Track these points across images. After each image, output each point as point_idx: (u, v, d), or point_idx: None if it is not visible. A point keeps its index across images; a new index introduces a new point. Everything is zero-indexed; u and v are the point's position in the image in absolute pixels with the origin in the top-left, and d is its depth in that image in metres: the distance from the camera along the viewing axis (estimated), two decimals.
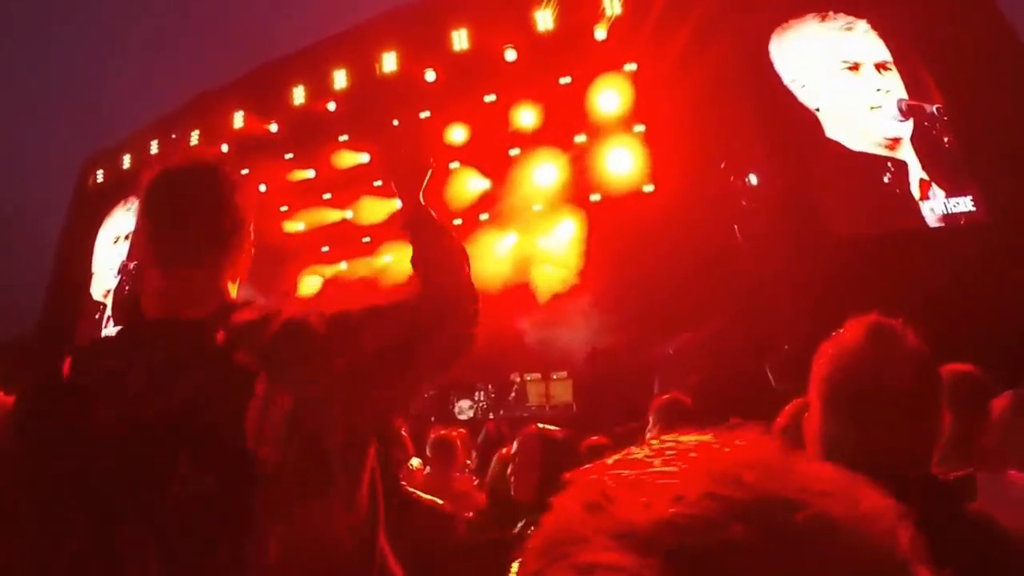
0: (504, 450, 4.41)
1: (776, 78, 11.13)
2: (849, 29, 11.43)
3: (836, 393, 1.54)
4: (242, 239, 1.77)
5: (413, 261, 2.08)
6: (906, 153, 10.71)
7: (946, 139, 10.65)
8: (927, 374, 1.56)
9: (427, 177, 2.23)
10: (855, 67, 11.16)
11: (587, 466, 0.55)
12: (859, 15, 11.42)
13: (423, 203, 2.15)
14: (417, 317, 1.85)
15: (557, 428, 3.46)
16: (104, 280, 17.78)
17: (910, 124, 10.80)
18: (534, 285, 12.41)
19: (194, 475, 1.36)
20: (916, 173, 10.65)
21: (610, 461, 0.54)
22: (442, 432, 5.05)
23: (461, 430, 5.35)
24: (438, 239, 2.07)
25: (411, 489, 3.58)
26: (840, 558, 0.43)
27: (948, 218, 10.44)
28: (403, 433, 3.59)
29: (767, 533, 0.42)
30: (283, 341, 1.58)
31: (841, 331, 1.61)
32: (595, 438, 4.97)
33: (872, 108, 10.91)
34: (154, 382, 1.44)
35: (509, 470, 3.46)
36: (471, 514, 3.92)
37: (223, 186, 1.75)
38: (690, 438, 0.53)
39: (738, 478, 0.45)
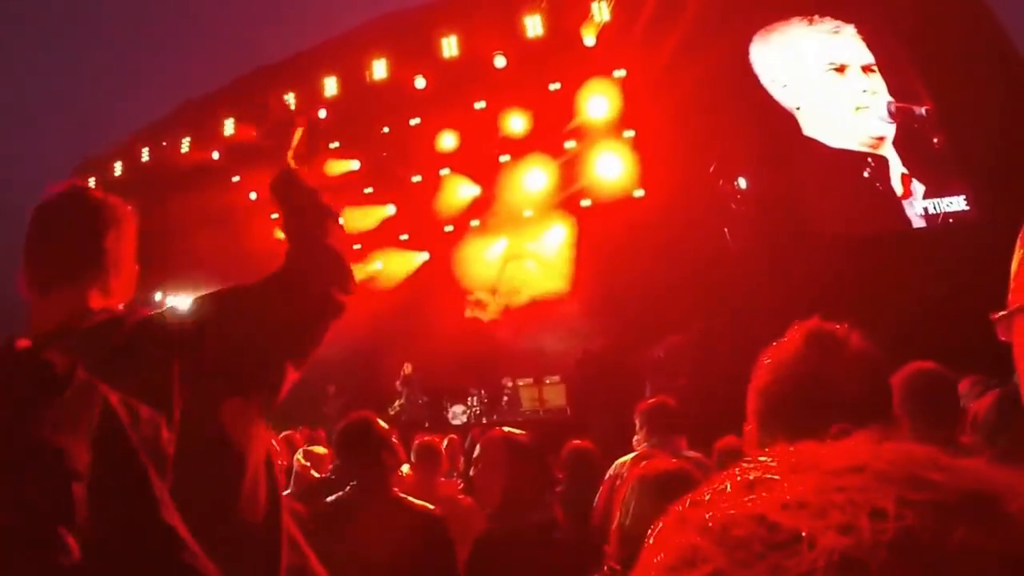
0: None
1: (762, 80, 11.19)
2: (836, 32, 11.52)
3: (771, 403, 1.47)
4: (107, 261, 1.69)
5: (282, 225, 2.06)
6: (888, 151, 10.79)
7: (935, 140, 10.73)
8: (870, 379, 1.47)
9: (296, 136, 2.20)
10: (841, 69, 11.24)
11: (691, 497, 0.46)
12: (847, 19, 11.51)
13: (293, 166, 2.13)
14: (279, 283, 1.86)
15: (523, 432, 3.43)
16: None
17: (895, 125, 10.88)
18: (525, 289, 12.44)
19: None
20: (897, 169, 10.73)
21: (723, 482, 0.46)
22: (425, 439, 5.06)
23: (452, 436, 5.37)
24: (304, 203, 2.05)
25: (402, 494, 3.60)
26: None
27: (940, 217, 10.52)
28: (393, 439, 3.59)
29: (989, 529, 0.38)
30: (119, 354, 1.52)
31: (781, 339, 1.52)
32: (577, 441, 4.99)
33: (858, 108, 11.00)
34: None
35: (472, 472, 3.44)
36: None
37: (80, 214, 1.71)
38: (798, 447, 0.46)
39: (925, 479, 0.40)
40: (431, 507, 3.56)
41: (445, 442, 5.93)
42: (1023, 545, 0.38)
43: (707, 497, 0.45)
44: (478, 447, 3.42)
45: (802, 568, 0.37)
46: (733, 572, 0.39)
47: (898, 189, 10.65)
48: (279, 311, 1.81)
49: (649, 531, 0.47)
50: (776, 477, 0.43)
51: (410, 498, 3.52)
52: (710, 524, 0.42)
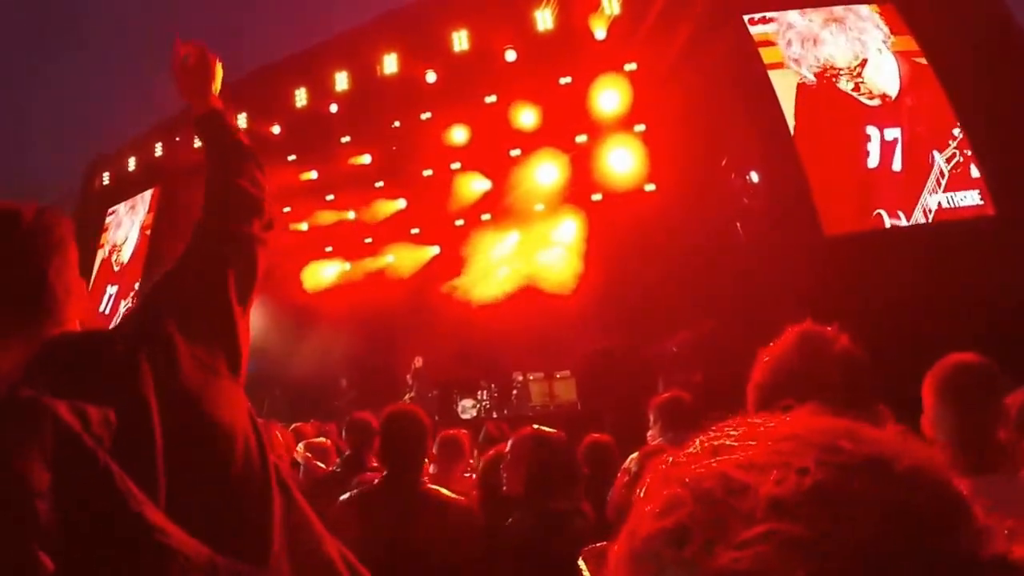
0: (494, 449, 4.46)
1: (777, 70, 11.11)
2: (852, 20, 11.44)
3: (765, 397, 1.60)
4: (56, 296, 1.58)
5: (205, 164, 2.05)
6: (906, 144, 10.73)
7: (954, 132, 10.65)
8: (850, 375, 1.60)
9: (216, 77, 2.17)
10: (857, 59, 11.17)
11: (672, 460, 0.62)
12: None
13: (213, 104, 2.10)
14: (202, 235, 1.85)
15: (553, 431, 3.53)
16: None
17: (910, 115, 10.82)
18: (536, 284, 12.45)
19: None
20: (915, 161, 10.67)
21: (694, 451, 0.61)
22: (450, 431, 5.11)
23: (463, 431, 5.41)
24: (222, 140, 2.04)
25: (431, 486, 3.65)
26: (934, 495, 0.54)
27: (954, 212, 10.45)
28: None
29: (881, 483, 0.53)
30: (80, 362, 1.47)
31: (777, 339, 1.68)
32: (596, 435, 5.02)
33: (872, 97, 10.94)
34: None
35: (502, 466, 3.55)
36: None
37: (16, 250, 1.56)
38: (749, 424, 0.62)
39: (837, 446, 0.55)
40: (460, 498, 3.64)
41: None
42: (900, 494, 0.52)
43: (682, 459, 0.60)
44: (509, 443, 3.52)
45: (749, 507, 0.53)
46: (703, 513, 0.54)
47: (922, 184, 10.58)
48: (211, 261, 1.79)
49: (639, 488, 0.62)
50: (734, 444, 0.59)
51: (442, 489, 3.59)
52: (686, 479, 0.57)
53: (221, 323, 1.70)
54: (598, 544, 2.04)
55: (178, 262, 1.82)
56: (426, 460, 3.98)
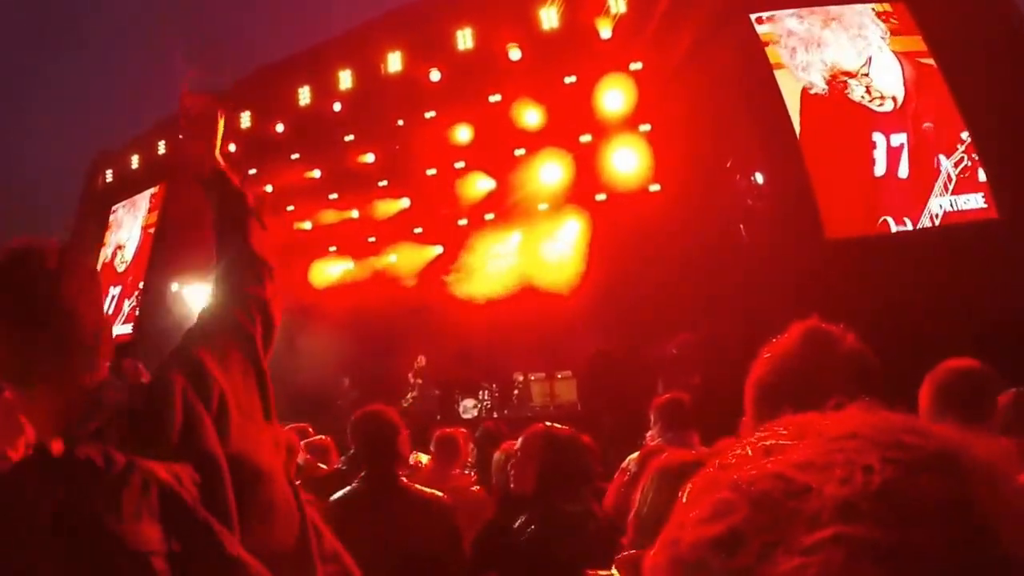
0: (504, 446, 4.46)
1: (783, 71, 11.07)
2: (848, 16, 11.39)
3: (766, 394, 1.52)
4: (88, 333, 1.55)
5: (212, 223, 2.04)
6: (911, 148, 10.69)
7: (962, 136, 10.60)
8: (857, 377, 1.52)
9: (220, 131, 2.13)
10: (865, 62, 11.11)
11: (718, 462, 0.58)
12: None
13: (219, 165, 2.08)
14: (223, 292, 1.91)
15: (564, 427, 3.50)
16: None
17: (916, 119, 10.78)
18: (538, 284, 12.42)
19: None
20: (922, 166, 10.62)
21: (743, 451, 0.57)
22: (447, 430, 5.13)
23: (462, 429, 5.44)
24: (230, 201, 2.04)
25: (408, 482, 3.71)
26: (1001, 489, 0.51)
27: (958, 215, 10.40)
28: (402, 431, 3.69)
29: (950, 480, 0.50)
30: (141, 425, 1.50)
31: (779, 336, 1.59)
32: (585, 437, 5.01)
33: (881, 101, 10.90)
34: None
35: (510, 464, 3.53)
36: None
37: (48, 288, 1.52)
38: (802, 419, 0.58)
39: (900, 441, 0.52)
40: (439, 494, 3.67)
41: None
42: (970, 492, 0.49)
43: (732, 461, 0.56)
44: (519, 440, 3.50)
45: (813, 510, 0.49)
46: (758, 518, 0.50)
47: (928, 188, 10.54)
48: (237, 322, 1.85)
49: (667, 512, 0.58)
50: (788, 443, 0.55)
51: (417, 486, 3.63)
52: (738, 482, 0.53)
53: (255, 375, 1.81)
54: (632, 552, 2.00)
55: (207, 319, 1.87)
56: (406, 458, 4.03)
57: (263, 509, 1.62)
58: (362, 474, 3.63)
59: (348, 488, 3.62)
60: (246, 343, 1.81)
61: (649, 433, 4.86)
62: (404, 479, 3.69)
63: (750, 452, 0.56)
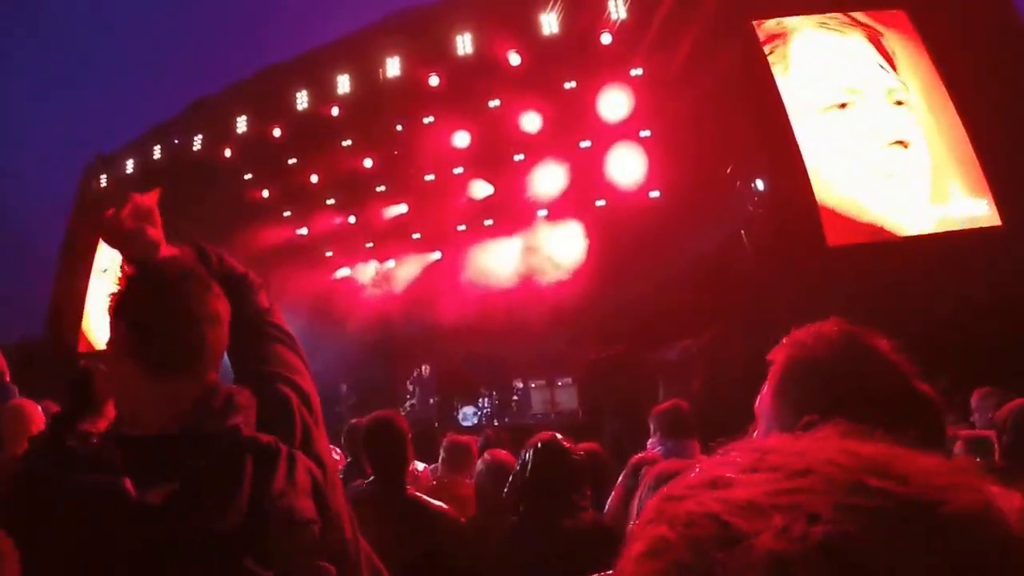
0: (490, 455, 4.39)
1: (791, 77, 11.04)
2: (857, 31, 11.37)
3: (790, 402, 1.41)
4: (220, 345, 1.76)
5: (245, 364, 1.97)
6: (916, 155, 10.64)
7: (964, 144, 10.55)
8: (902, 383, 1.41)
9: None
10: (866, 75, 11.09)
11: (666, 490, 0.52)
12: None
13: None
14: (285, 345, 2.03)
15: (565, 439, 3.48)
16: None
17: (922, 128, 10.73)
18: (538, 291, 12.35)
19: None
20: (925, 175, 10.57)
21: (691, 479, 0.51)
22: (458, 437, 5.13)
23: (472, 437, 5.42)
24: (283, 342, 2.02)
25: (417, 493, 3.67)
26: (985, 547, 0.42)
27: (961, 221, 10.35)
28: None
29: (916, 537, 0.42)
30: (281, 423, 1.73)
31: (806, 332, 1.47)
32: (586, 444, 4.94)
33: (885, 106, 10.85)
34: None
35: (512, 475, 3.48)
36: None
37: (202, 299, 1.72)
38: (768, 444, 0.51)
39: (864, 485, 0.44)
40: (444, 506, 3.63)
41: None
42: (939, 552, 0.41)
43: (679, 491, 0.50)
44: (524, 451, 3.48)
45: (738, 564, 0.42)
46: (690, 562, 0.44)
47: (927, 196, 10.49)
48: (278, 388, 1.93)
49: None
50: (737, 476, 0.48)
51: (425, 497, 3.60)
52: (675, 519, 0.47)
53: (303, 433, 1.88)
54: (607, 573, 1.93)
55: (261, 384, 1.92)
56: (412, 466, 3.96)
57: (340, 510, 1.79)
58: (370, 479, 3.61)
59: (355, 488, 3.60)
60: (288, 403, 1.88)
61: (649, 441, 4.79)
62: (411, 488, 3.66)
63: (698, 480, 0.50)
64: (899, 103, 10.89)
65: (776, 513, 0.43)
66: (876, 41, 11.20)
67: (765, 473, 0.47)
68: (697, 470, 0.52)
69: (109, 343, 1.70)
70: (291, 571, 1.52)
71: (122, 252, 1.86)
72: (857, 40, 11.28)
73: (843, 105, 10.91)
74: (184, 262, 1.80)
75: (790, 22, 11.34)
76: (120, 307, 1.70)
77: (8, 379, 4.38)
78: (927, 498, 0.43)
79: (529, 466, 3.30)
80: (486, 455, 4.29)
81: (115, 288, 1.75)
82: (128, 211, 1.86)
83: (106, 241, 1.88)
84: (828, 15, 11.37)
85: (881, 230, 10.39)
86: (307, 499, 1.59)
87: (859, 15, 11.34)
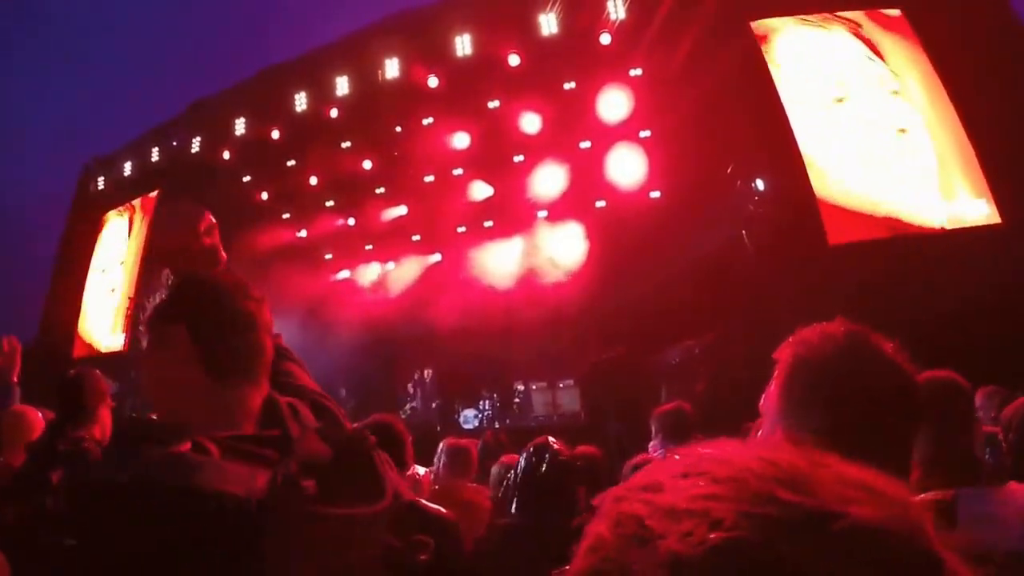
0: (505, 458, 4.35)
1: (783, 78, 11.01)
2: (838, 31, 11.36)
3: (797, 400, 1.41)
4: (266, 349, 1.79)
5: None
6: (919, 144, 10.61)
7: (963, 143, 10.52)
8: (903, 383, 1.44)
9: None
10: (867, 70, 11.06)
11: (614, 488, 0.55)
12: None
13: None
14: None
15: (558, 442, 3.42)
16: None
17: (925, 127, 10.71)
18: (538, 292, 12.30)
19: None
20: (931, 173, 10.54)
21: (636, 480, 0.54)
22: (458, 440, 5.03)
23: (472, 440, 5.38)
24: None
25: (417, 497, 3.62)
26: (882, 560, 0.44)
27: (963, 221, 10.33)
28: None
29: (810, 548, 0.43)
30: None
31: (811, 332, 1.48)
32: (585, 447, 4.92)
33: (882, 95, 10.83)
34: None
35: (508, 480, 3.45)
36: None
37: (261, 314, 1.77)
38: (707, 451, 0.53)
39: (771, 495, 0.46)
40: (443, 511, 3.61)
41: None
42: (827, 561, 0.43)
43: (623, 491, 0.53)
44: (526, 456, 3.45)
45: (646, 564, 0.46)
46: (614, 559, 0.48)
47: (932, 194, 10.46)
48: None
49: None
50: (668, 480, 0.51)
51: (423, 500, 3.58)
52: (611, 518, 0.51)
53: None
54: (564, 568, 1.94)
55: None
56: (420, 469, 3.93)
57: None
58: None
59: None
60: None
61: (651, 443, 4.75)
62: (409, 494, 3.62)
63: (637, 483, 0.53)
64: (895, 93, 10.87)
65: (687, 518, 0.46)
66: (858, 33, 11.20)
67: (693, 479, 0.50)
68: (644, 471, 0.54)
69: (155, 351, 1.68)
70: (411, 544, 1.67)
71: (185, 268, 1.94)
72: (840, 34, 11.27)
73: (840, 99, 10.89)
74: (232, 272, 1.83)
75: (772, 22, 11.33)
76: (181, 315, 1.67)
77: (15, 379, 4.37)
78: (828, 510, 0.45)
79: (520, 469, 3.28)
80: (503, 459, 4.26)
81: (166, 297, 1.73)
82: (204, 229, 1.93)
83: (172, 263, 1.98)
84: (825, 15, 11.36)
85: (899, 222, 10.36)
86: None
87: (848, 13, 11.34)
